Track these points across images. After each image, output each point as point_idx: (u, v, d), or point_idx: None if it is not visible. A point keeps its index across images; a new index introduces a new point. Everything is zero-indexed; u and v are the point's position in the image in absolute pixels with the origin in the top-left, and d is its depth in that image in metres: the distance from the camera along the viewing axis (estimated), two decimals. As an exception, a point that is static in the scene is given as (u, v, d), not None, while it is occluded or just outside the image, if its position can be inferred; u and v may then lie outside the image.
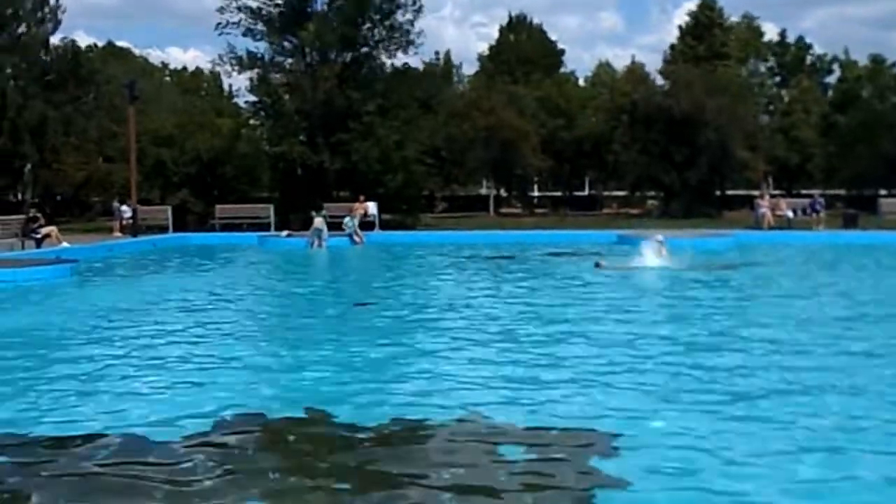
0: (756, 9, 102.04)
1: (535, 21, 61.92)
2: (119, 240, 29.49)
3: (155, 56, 61.62)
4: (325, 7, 38.31)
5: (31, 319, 12.90)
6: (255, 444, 6.53)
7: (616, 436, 6.41)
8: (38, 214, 27.44)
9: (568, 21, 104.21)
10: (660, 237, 20.06)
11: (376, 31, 38.41)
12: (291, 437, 6.71)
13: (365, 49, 38.81)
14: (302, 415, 7.26)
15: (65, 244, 24.96)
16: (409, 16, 38.14)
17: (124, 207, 32.48)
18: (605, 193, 61.16)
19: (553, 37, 62.25)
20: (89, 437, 6.56)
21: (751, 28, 59.09)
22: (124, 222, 32.16)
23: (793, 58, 59.60)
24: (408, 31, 38.29)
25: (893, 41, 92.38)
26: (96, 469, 5.89)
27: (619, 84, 54.88)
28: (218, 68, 40.59)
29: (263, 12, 37.75)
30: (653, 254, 19.17)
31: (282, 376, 8.85)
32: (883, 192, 45.84)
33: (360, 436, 6.61)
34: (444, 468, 5.83)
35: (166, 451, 6.22)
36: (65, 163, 41.93)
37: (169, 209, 34.09)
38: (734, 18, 57.75)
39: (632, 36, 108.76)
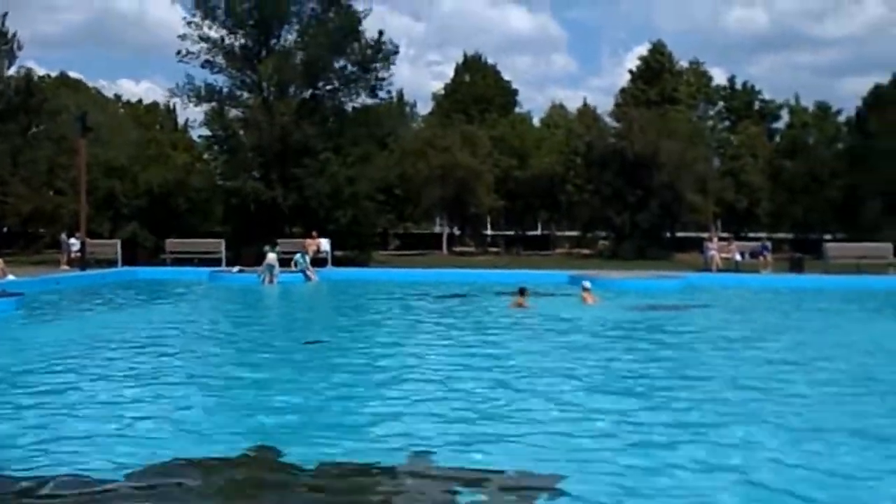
0: (705, 54, 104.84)
1: (490, 61, 62.67)
2: (66, 273, 29.03)
3: (107, 88, 61.37)
4: (295, 42, 38.44)
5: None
6: (199, 484, 6.44)
7: (563, 477, 6.44)
8: (-16, 246, 26.98)
9: (521, 62, 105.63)
10: (587, 283, 20.25)
11: (347, 71, 38.60)
12: (238, 476, 6.64)
13: (328, 87, 38.98)
14: (249, 453, 7.18)
15: (10, 277, 24.51)
16: (382, 63, 38.47)
17: (73, 240, 32.03)
18: (558, 233, 61.73)
19: (507, 77, 63.06)
20: (24, 478, 6.42)
21: (699, 73, 60.33)
22: (72, 255, 31.70)
23: (741, 103, 60.91)
24: (381, 78, 38.69)
25: (839, 88, 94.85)
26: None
27: (572, 125, 55.65)
28: (174, 99, 40.42)
29: (225, 43, 37.74)
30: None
31: (228, 414, 8.77)
32: (828, 236, 46.78)
33: (307, 477, 6.56)
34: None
35: (107, 491, 6.12)
36: (12, 194, 41.30)
37: (118, 242, 33.67)
38: (683, 63, 59.02)
39: (584, 78, 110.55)
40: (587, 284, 20.12)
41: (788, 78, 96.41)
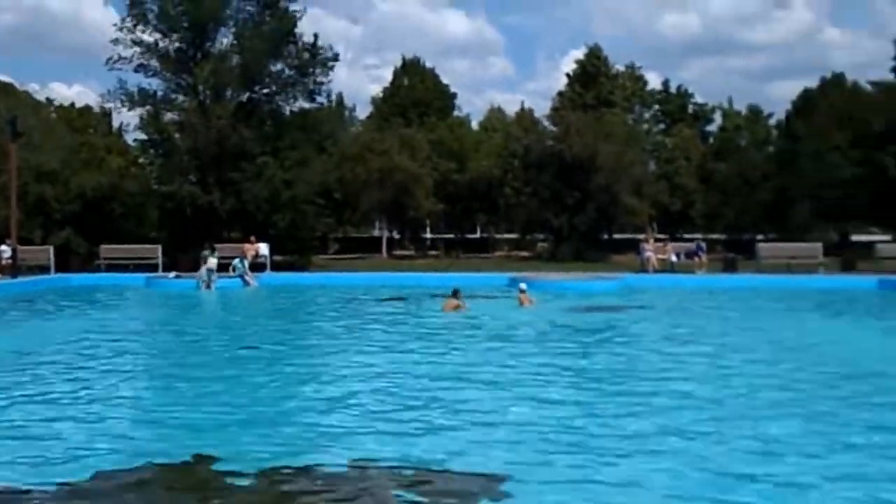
0: (640, 58, 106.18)
1: (428, 65, 62.78)
2: (-3, 280, 28.41)
3: (37, 91, 60.08)
4: (231, 45, 38.06)
5: None
6: (135, 491, 6.39)
7: (504, 478, 6.52)
8: None
9: (458, 65, 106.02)
10: (522, 285, 20.49)
11: (284, 74, 38.34)
12: (173, 483, 6.60)
13: (265, 91, 38.69)
14: (185, 459, 7.13)
15: (-62, 285, 23.92)
16: (321, 68, 38.30)
17: (3, 247, 31.30)
18: (497, 236, 62.06)
19: (445, 81, 63.22)
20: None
21: (635, 77, 61.23)
22: (3, 262, 30.98)
23: (675, 106, 61.96)
24: (320, 83, 38.52)
25: (770, 92, 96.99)
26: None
27: (510, 129, 56.02)
28: (107, 104, 39.76)
29: (159, 47, 37.22)
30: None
31: (164, 421, 8.66)
32: (760, 237, 47.79)
33: (244, 482, 6.54)
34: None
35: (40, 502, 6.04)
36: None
37: (51, 249, 33.00)
38: (619, 67, 59.85)
39: (521, 81, 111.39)
40: (523, 286, 20.34)
41: (721, 82, 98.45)
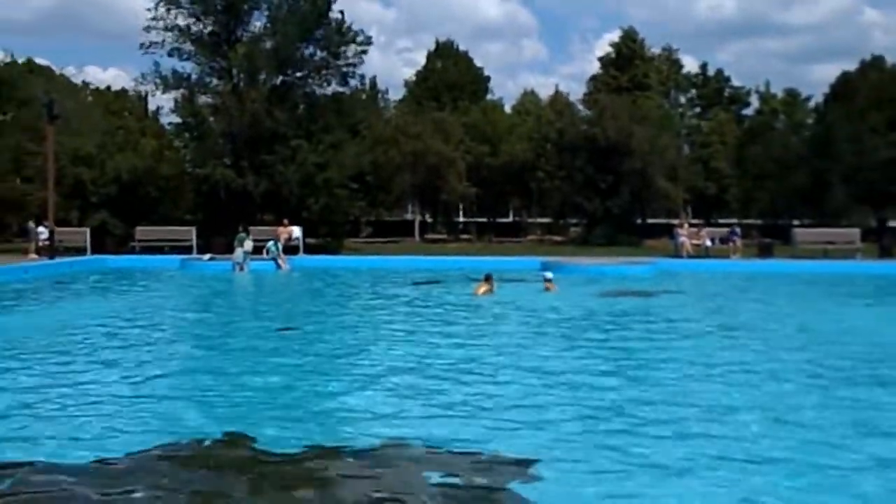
0: (675, 41, 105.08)
1: (462, 48, 62.53)
2: (35, 262, 28.73)
3: (73, 75, 60.66)
4: (264, 28, 38.18)
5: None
6: (174, 469, 6.44)
7: (535, 461, 6.49)
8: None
9: (492, 48, 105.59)
10: (548, 274, 20.35)
11: (317, 57, 38.39)
12: (211, 462, 6.64)
13: (298, 74, 38.77)
14: (222, 438, 7.19)
15: (-23, 265, 24.26)
16: (355, 48, 38.34)
17: (41, 228, 31.69)
18: (529, 220, 61.88)
19: (479, 64, 62.93)
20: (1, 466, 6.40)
21: (670, 60, 60.61)
22: (40, 244, 31.37)
23: (711, 90, 61.27)
24: (353, 65, 38.55)
25: (808, 75, 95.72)
26: (10, 499, 5.75)
27: (543, 112, 55.71)
28: (142, 88, 40.08)
29: (193, 31, 37.42)
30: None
31: (198, 400, 8.73)
32: (796, 222, 47.26)
33: (280, 460, 6.58)
34: (366, 493, 5.83)
35: (83, 479, 6.10)
36: (-23, 182, 40.80)
37: (87, 231, 33.40)
38: (655, 50, 59.25)
39: (554, 65, 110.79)
40: (549, 275, 20.23)
41: (758, 65, 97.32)
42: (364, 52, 38.75)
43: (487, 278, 19.23)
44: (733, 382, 9.46)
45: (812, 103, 54.26)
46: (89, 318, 15.42)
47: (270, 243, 28.22)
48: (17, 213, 41.13)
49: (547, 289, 19.64)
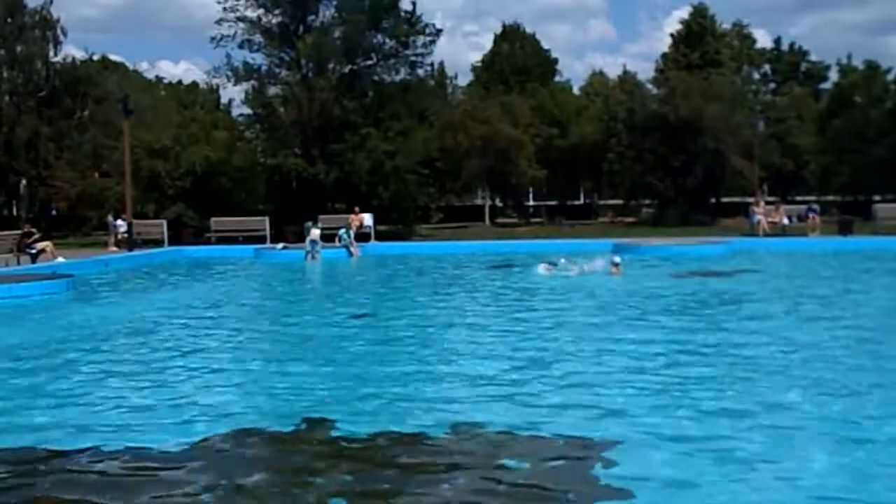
0: (747, 15, 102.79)
1: (528, 30, 62.08)
2: (114, 254, 29.42)
3: (147, 70, 62.12)
4: (332, 17, 38.45)
5: (27, 335, 12.85)
6: (253, 457, 6.50)
7: (616, 443, 6.40)
8: (34, 230, 27.34)
9: (558, 30, 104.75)
10: (616, 258, 20.00)
11: (386, 45, 38.54)
12: (290, 448, 6.70)
13: (367, 62, 38.96)
14: (300, 426, 7.24)
15: (60, 259, 24.91)
16: (424, 39, 38.41)
17: (119, 221, 32.46)
18: (601, 202, 61.32)
19: (545, 46, 62.41)
20: (87, 451, 6.54)
21: (742, 35, 59.29)
22: (119, 237, 32.12)
23: (786, 64, 59.80)
24: (421, 55, 38.64)
25: (885, 46, 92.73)
26: (95, 479, 5.88)
27: (612, 92, 55.06)
28: (214, 80, 40.73)
29: (262, 22, 37.87)
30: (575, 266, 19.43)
31: (275, 386, 8.82)
32: (877, 197, 45.95)
33: (358, 447, 6.60)
34: (444, 480, 5.81)
35: (168, 465, 6.20)
36: (59, 178, 41.92)
37: (164, 223, 34.08)
38: (725, 26, 58.00)
39: (622, 44, 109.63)
40: (616, 259, 19.93)
41: (834, 37, 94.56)
42: (433, 41, 38.79)
43: (551, 264, 19.41)
44: (819, 367, 9.21)
45: (892, 75, 52.56)
46: (170, 308, 15.72)
47: (342, 231, 28.43)
48: (97, 207, 42.23)
49: (612, 273, 19.38)
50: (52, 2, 45.56)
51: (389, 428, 7.04)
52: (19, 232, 27.22)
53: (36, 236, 26.45)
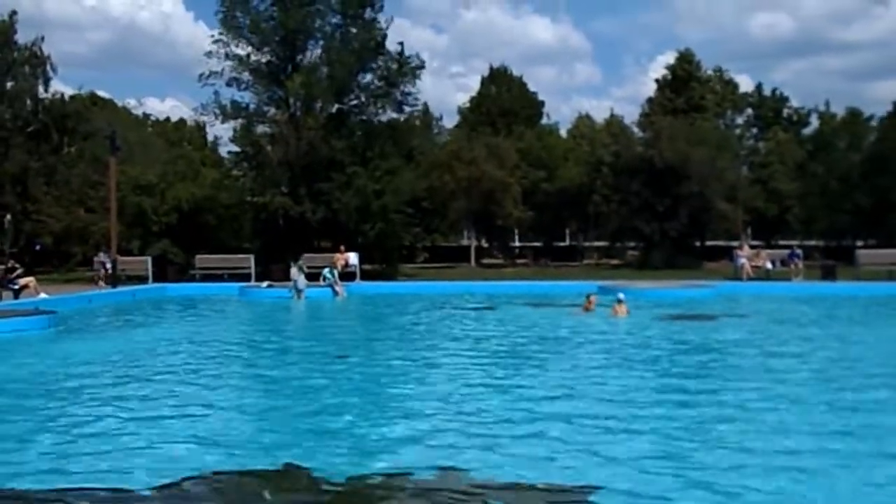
0: (730, 61, 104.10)
1: (515, 73, 62.54)
2: (98, 291, 29.23)
3: (135, 107, 62.34)
4: (319, 58, 38.67)
5: (7, 372, 12.75)
6: (233, 498, 6.44)
7: (595, 488, 6.38)
8: (17, 265, 27.14)
9: (545, 72, 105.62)
10: (621, 295, 20.08)
11: (373, 86, 38.79)
12: (264, 488, 6.64)
13: (354, 102, 39.19)
14: (278, 468, 7.17)
15: (43, 295, 24.73)
16: (408, 77, 38.63)
17: (103, 257, 32.31)
18: (586, 244, 61.49)
19: (532, 88, 62.85)
20: (66, 492, 6.46)
21: (724, 81, 59.94)
22: (104, 272, 31.97)
23: (769, 110, 60.45)
24: (408, 93, 38.89)
25: (869, 93, 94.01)
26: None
27: (599, 136, 55.46)
28: (202, 117, 40.82)
29: (251, 60, 38.05)
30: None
31: (255, 428, 8.76)
32: (860, 243, 46.25)
33: (339, 489, 6.55)
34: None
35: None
36: (45, 213, 41.79)
37: (149, 259, 33.95)
38: (709, 71, 58.66)
39: (608, 88, 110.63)
40: (621, 296, 19.93)
41: (817, 84, 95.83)
42: (417, 75, 38.97)
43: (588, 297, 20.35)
44: (814, 416, 9.23)
45: (874, 122, 53.19)
46: (152, 345, 15.62)
47: (326, 270, 28.37)
48: (82, 243, 42.04)
49: (615, 311, 19.40)
50: (42, 38, 45.72)
51: (369, 469, 6.99)
52: (2, 267, 27.01)
53: (19, 271, 26.26)
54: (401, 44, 38.84)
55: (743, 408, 9.33)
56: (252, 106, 38.88)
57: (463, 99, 65.12)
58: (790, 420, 8.70)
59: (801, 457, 7.29)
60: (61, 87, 57.81)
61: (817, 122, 58.37)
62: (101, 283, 31.56)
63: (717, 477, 6.67)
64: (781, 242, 50.11)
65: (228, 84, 38.27)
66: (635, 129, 52.17)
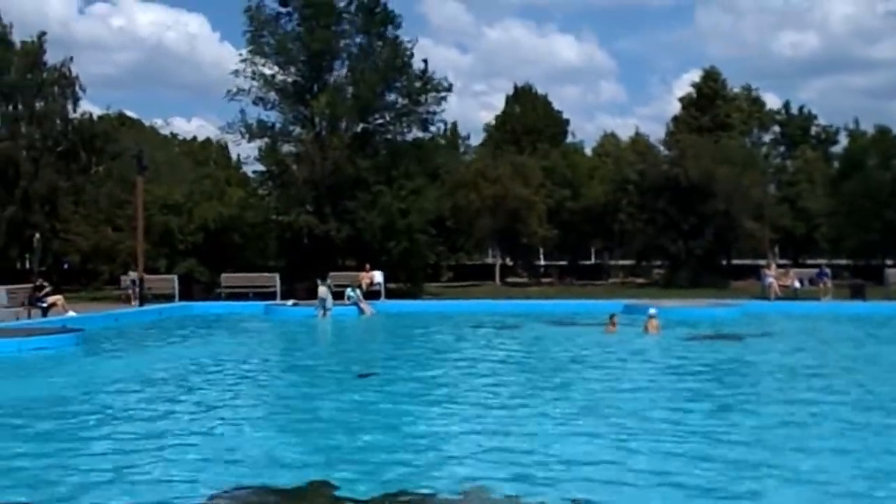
0: (756, 79, 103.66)
1: (540, 91, 62.60)
2: (125, 309, 29.39)
3: (162, 127, 63.06)
4: (345, 77, 38.90)
5: (35, 390, 12.82)
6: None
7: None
8: (45, 283, 27.38)
9: (569, 91, 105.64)
10: (653, 310, 19.93)
11: (399, 104, 38.95)
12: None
13: (380, 121, 39.35)
14: (305, 486, 7.15)
15: (71, 313, 24.91)
16: (435, 95, 38.78)
17: (132, 275, 32.51)
18: (611, 262, 61.20)
19: (557, 107, 62.85)
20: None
21: (751, 99, 59.66)
22: (131, 291, 32.16)
23: (796, 128, 60.07)
24: (433, 112, 39.03)
25: (892, 110, 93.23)
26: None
27: (624, 154, 55.31)
28: (227, 136, 41.13)
29: (277, 80, 38.33)
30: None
31: (285, 447, 8.74)
32: (889, 262, 45.73)
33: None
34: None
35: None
36: (73, 232, 42.15)
37: (175, 278, 34.13)
38: (735, 89, 58.41)
39: (633, 106, 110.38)
40: (653, 311, 19.80)
41: (841, 102, 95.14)
42: (444, 98, 39.12)
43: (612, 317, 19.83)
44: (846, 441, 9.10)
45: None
46: (178, 364, 15.66)
47: (349, 290, 28.32)
48: (109, 262, 42.36)
49: (647, 328, 19.27)
50: (71, 59, 46.33)
51: (395, 488, 6.95)
52: (31, 286, 27.26)
53: (47, 290, 26.49)
54: (424, 61, 39.06)
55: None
56: (278, 125, 39.21)
57: (487, 118, 65.36)
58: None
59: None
60: (90, 107, 58.31)
61: (846, 140, 57.89)
62: (134, 301, 31.73)
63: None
64: (809, 261, 49.68)
65: (254, 103, 38.59)
66: (660, 148, 52.04)
